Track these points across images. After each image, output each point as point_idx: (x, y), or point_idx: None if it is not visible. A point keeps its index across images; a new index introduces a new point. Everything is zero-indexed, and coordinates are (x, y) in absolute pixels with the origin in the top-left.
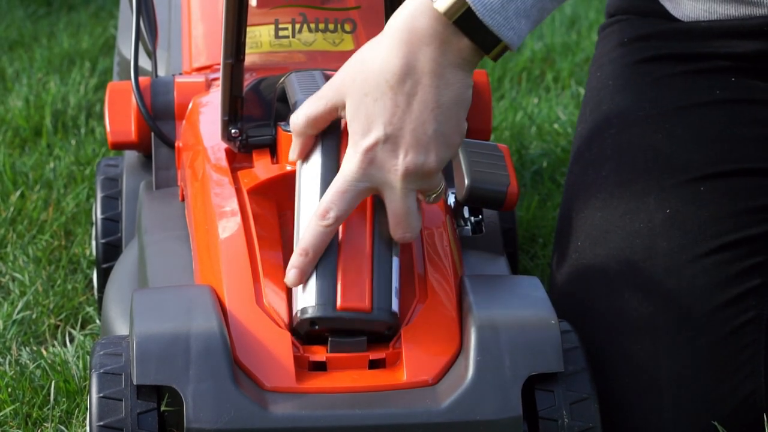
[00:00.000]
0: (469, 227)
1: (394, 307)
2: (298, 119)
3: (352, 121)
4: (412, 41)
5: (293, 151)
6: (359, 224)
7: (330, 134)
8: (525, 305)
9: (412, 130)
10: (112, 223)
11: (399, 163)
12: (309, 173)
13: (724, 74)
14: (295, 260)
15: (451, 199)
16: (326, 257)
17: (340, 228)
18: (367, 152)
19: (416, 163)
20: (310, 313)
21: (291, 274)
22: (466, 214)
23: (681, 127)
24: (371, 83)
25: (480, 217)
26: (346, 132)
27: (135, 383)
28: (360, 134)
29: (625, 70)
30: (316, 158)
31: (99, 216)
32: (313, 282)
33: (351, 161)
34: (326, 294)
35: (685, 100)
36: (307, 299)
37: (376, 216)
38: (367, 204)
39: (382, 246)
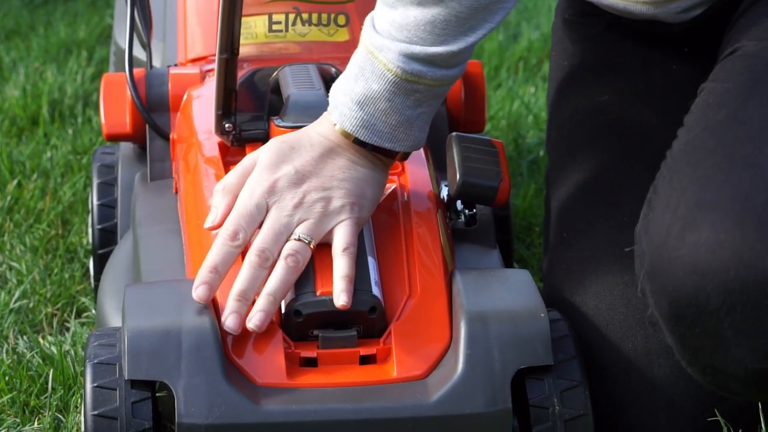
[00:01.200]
0: (462, 220)
1: (375, 291)
2: (228, 177)
3: (263, 157)
4: (333, 142)
5: (218, 215)
6: None
7: None
8: (515, 299)
9: (320, 176)
10: (108, 209)
11: (299, 192)
12: None
13: (671, 45)
14: (205, 276)
15: (444, 193)
16: None
17: None
18: (275, 180)
19: (315, 197)
20: (292, 304)
21: (201, 289)
22: (459, 207)
23: (647, 112)
24: (292, 139)
25: (473, 210)
26: None
27: (126, 378)
28: (269, 166)
29: (575, 47)
30: None
31: (95, 202)
32: None
33: (257, 184)
34: (305, 285)
35: (642, 82)
36: (289, 294)
37: None
38: None
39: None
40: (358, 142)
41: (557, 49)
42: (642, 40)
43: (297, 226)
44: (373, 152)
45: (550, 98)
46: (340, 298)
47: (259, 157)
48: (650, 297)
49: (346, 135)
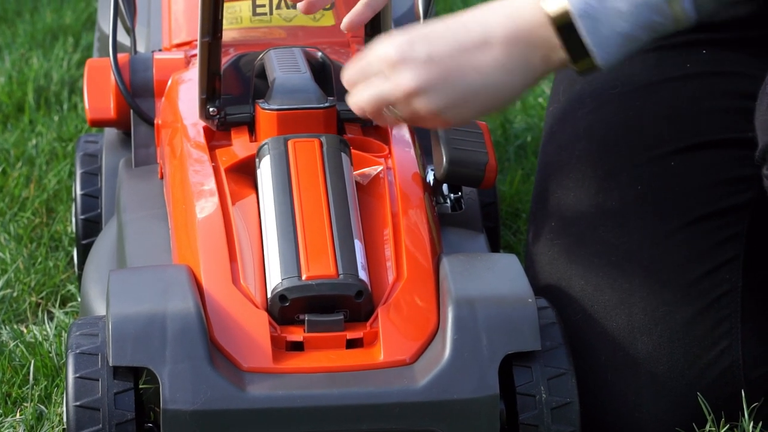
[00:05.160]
0: (448, 204)
1: (362, 276)
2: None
3: (404, 33)
4: (509, 20)
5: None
6: (316, 205)
7: (278, 154)
8: (502, 284)
9: (449, 68)
10: (91, 199)
11: (414, 81)
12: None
13: (697, 48)
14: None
15: (430, 177)
16: (286, 236)
17: (298, 206)
18: (402, 52)
19: (425, 93)
20: (278, 289)
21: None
22: (446, 191)
23: (651, 103)
24: (443, 25)
25: (459, 194)
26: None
27: (111, 364)
28: (402, 40)
29: None
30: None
31: (78, 192)
32: (277, 261)
33: (383, 48)
34: (291, 268)
35: (657, 75)
36: (274, 278)
37: (332, 197)
38: (320, 185)
39: (342, 223)
40: (562, 32)
41: None
42: (668, 42)
43: (396, 104)
44: (558, 42)
45: (558, 93)
46: None
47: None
48: None
49: (555, 17)
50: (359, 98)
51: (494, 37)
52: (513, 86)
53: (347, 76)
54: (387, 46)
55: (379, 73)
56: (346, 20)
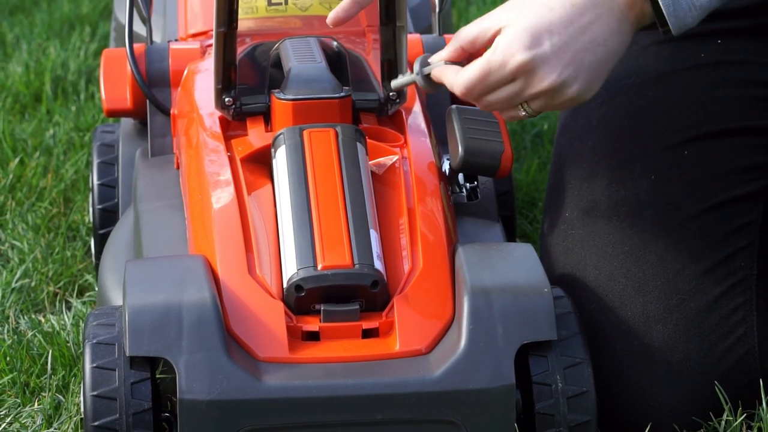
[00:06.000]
0: (464, 194)
1: (377, 266)
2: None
3: (518, 27)
4: None
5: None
6: (332, 195)
7: (294, 144)
8: (518, 273)
9: (576, 51)
10: (108, 188)
11: (553, 77)
12: (280, 178)
13: (711, 38)
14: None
15: (446, 166)
16: (302, 226)
17: (313, 196)
18: (534, 54)
19: (560, 89)
20: (294, 279)
21: None
22: (461, 181)
23: (664, 93)
24: (543, 7)
25: (475, 183)
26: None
27: (128, 354)
28: (527, 40)
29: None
30: (283, 167)
31: (96, 182)
32: (293, 252)
33: (511, 57)
34: (307, 258)
35: (670, 66)
36: (290, 268)
37: (347, 187)
38: (336, 175)
39: (357, 212)
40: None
41: None
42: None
43: (530, 101)
44: (649, 5)
45: None
46: None
47: (514, 21)
48: None
49: None
50: (492, 103)
51: (597, 3)
52: (623, 45)
53: (465, 86)
54: (511, 50)
55: (509, 78)
56: (331, 16)
